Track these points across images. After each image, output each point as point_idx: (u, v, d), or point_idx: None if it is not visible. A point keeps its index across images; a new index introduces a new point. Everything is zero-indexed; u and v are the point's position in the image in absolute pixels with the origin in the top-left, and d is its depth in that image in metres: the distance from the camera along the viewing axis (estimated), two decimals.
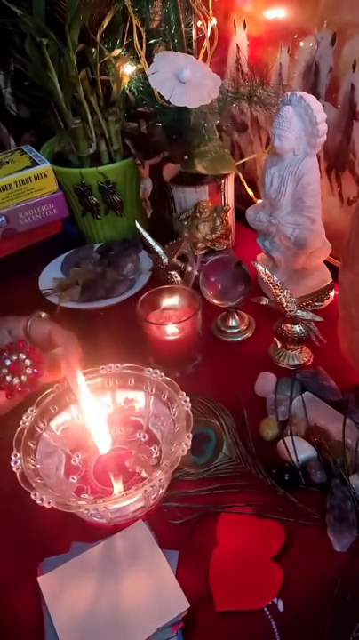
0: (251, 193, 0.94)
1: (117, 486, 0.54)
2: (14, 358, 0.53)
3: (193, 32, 0.79)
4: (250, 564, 0.48)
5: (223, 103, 0.79)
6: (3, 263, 0.88)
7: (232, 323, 0.75)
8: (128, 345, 0.67)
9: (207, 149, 0.81)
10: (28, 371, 0.53)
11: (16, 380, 0.52)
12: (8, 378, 0.52)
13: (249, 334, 0.74)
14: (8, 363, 0.52)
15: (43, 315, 0.58)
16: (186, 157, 0.81)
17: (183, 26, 0.76)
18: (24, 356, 0.53)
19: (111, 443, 0.57)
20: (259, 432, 0.59)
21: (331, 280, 0.70)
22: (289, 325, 0.65)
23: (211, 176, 0.83)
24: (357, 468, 0.53)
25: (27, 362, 0.53)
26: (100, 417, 0.56)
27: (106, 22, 0.75)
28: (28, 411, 0.54)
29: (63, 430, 0.57)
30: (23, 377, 0.52)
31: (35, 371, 0.53)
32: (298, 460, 0.54)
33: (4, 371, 0.52)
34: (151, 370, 0.58)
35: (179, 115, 0.76)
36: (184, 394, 0.54)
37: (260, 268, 0.64)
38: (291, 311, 0.64)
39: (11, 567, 0.51)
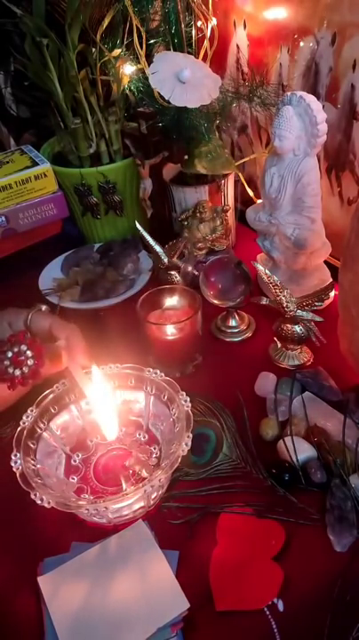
0: (251, 193, 0.94)
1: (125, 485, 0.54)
2: (15, 350, 0.53)
3: (193, 32, 0.79)
4: (250, 564, 0.48)
5: (223, 103, 0.79)
6: (3, 263, 0.88)
7: (232, 323, 0.75)
8: (128, 345, 0.67)
9: (207, 149, 0.81)
10: (30, 362, 0.53)
11: (17, 372, 0.52)
12: (10, 370, 0.52)
13: (249, 334, 0.74)
14: (10, 354, 0.53)
15: (44, 308, 0.58)
16: (186, 157, 0.81)
17: (183, 26, 0.76)
18: (25, 348, 0.53)
19: (117, 431, 0.57)
20: (259, 432, 0.59)
21: (331, 280, 0.70)
22: (289, 325, 0.65)
23: (211, 176, 0.83)
24: (357, 468, 0.53)
25: (29, 353, 0.53)
26: (108, 405, 0.56)
27: (106, 22, 0.75)
28: (28, 411, 0.54)
29: (63, 430, 0.57)
30: (25, 368, 0.53)
31: (37, 362, 0.53)
32: (298, 460, 0.54)
33: (6, 363, 0.52)
34: (151, 370, 0.58)
35: (179, 115, 0.76)
36: (184, 394, 0.54)
37: (260, 268, 0.64)
38: (291, 311, 0.64)
39: (12, 567, 0.51)
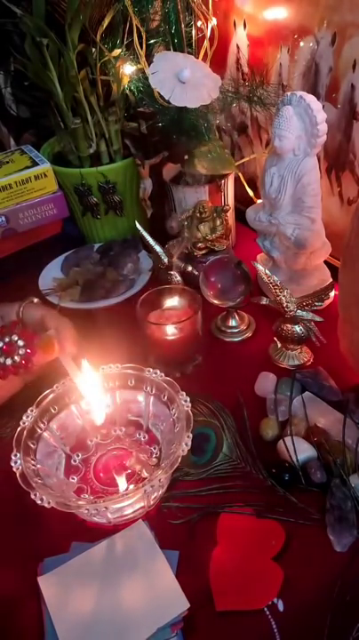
0: (251, 193, 0.94)
1: (121, 482, 0.54)
2: (6, 340, 0.53)
3: (193, 32, 0.79)
4: (250, 563, 0.48)
5: (223, 103, 0.79)
6: (4, 263, 0.88)
7: (232, 323, 0.75)
8: (128, 345, 0.67)
9: (207, 149, 0.81)
10: (21, 351, 0.53)
11: (9, 361, 0.52)
12: (1, 359, 0.52)
13: (249, 334, 0.74)
14: (0, 344, 0.53)
15: (36, 300, 0.58)
16: (186, 157, 0.81)
17: (183, 26, 0.76)
18: (16, 338, 0.53)
19: (105, 416, 0.57)
20: (259, 432, 0.59)
21: (331, 280, 0.70)
22: (289, 325, 0.65)
23: (211, 176, 0.83)
24: (357, 468, 0.53)
25: (20, 342, 0.53)
26: (97, 390, 0.56)
27: (106, 22, 0.75)
28: (28, 411, 0.54)
29: (63, 430, 0.57)
30: (16, 357, 0.53)
31: (29, 350, 0.53)
32: (298, 460, 0.54)
33: None
34: (151, 370, 0.58)
35: (180, 115, 0.76)
36: (184, 394, 0.54)
37: (260, 268, 0.64)
38: (291, 311, 0.64)
39: (12, 567, 0.51)
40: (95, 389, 0.56)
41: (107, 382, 0.59)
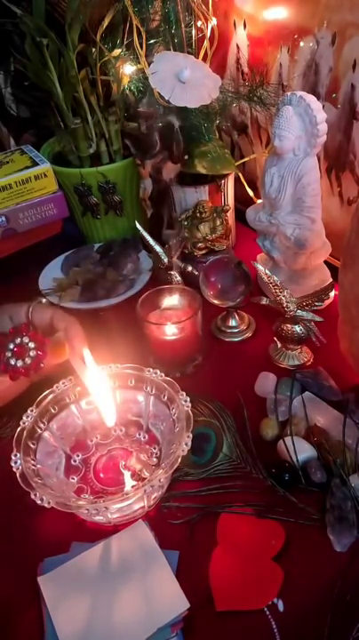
0: (251, 193, 0.94)
1: (128, 480, 0.54)
2: (17, 341, 0.53)
3: (193, 32, 0.79)
4: (250, 564, 0.48)
5: (223, 103, 0.79)
6: (3, 263, 0.88)
7: (232, 323, 0.75)
8: (128, 345, 0.67)
9: (207, 149, 0.81)
10: (32, 353, 0.53)
11: (20, 363, 0.52)
12: (12, 361, 0.52)
13: (249, 334, 0.74)
14: (12, 346, 0.53)
15: (44, 301, 0.58)
16: (186, 157, 0.81)
17: (183, 26, 0.76)
18: (27, 339, 0.53)
19: (115, 417, 0.57)
20: (259, 432, 0.59)
21: (331, 280, 0.70)
22: (289, 325, 0.65)
23: (211, 176, 0.83)
24: (357, 468, 0.53)
25: (31, 344, 0.53)
26: (106, 392, 0.56)
27: (106, 22, 0.75)
28: (28, 411, 0.54)
29: (63, 430, 0.57)
30: (27, 359, 0.53)
31: (39, 353, 0.53)
32: (298, 460, 0.54)
33: (8, 354, 0.53)
34: (151, 370, 0.58)
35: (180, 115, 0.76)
36: (184, 394, 0.54)
37: (260, 268, 0.64)
38: (291, 311, 0.64)
39: (12, 567, 0.51)
40: (105, 391, 0.56)
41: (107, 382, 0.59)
